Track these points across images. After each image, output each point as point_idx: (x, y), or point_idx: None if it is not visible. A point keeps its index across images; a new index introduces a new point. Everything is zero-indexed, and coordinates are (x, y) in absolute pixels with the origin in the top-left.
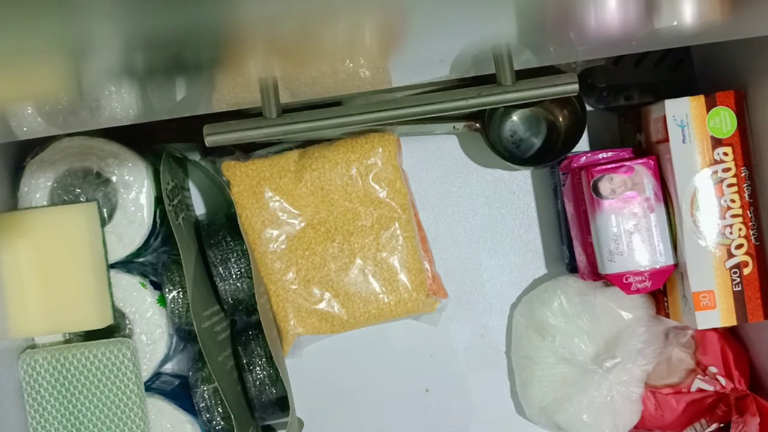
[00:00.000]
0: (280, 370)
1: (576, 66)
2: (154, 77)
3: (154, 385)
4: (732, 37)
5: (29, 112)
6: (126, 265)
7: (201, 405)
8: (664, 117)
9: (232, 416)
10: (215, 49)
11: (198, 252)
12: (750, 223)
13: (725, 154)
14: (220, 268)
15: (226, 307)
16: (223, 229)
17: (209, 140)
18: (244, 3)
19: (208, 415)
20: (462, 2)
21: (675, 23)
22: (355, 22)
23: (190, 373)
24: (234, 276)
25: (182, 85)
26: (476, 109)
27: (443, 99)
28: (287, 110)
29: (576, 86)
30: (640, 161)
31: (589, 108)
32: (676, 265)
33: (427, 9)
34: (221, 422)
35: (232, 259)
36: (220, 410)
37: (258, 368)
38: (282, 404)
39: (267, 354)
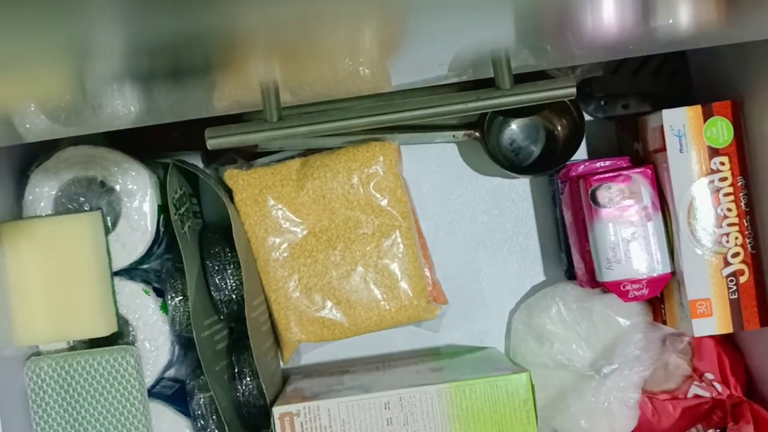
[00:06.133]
0: (264, 386)
1: (575, 77)
2: (156, 80)
3: (154, 390)
4: (728, 41)
5: (32, 109)
6: (129, 272)
7: (197, 412)
8: (662, 126)
9: (226, 426)
10: (217, 54)
11: (201, 261)
12: (746, 232)
13: (722, 163)
14: (216, 279)
15: (222, 317)
16: (222, 240)
17: (211, 143)
18: (246, 8)
19: (202, 422)
20: (461, 9)
21: (671, 21)
22: (356, 29)
23: (188, 381)
24: (229, 287)
25: (184, 88)
26: (476, 117)
27: (443, 102)
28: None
29: (573, 90)
30: (638, 170)
31: (587, 117)
32: (673, 273)
33: (427, 15)
34: (215, 430)
35: (229, 271)
36: (215, 418)
37: (248, 378)
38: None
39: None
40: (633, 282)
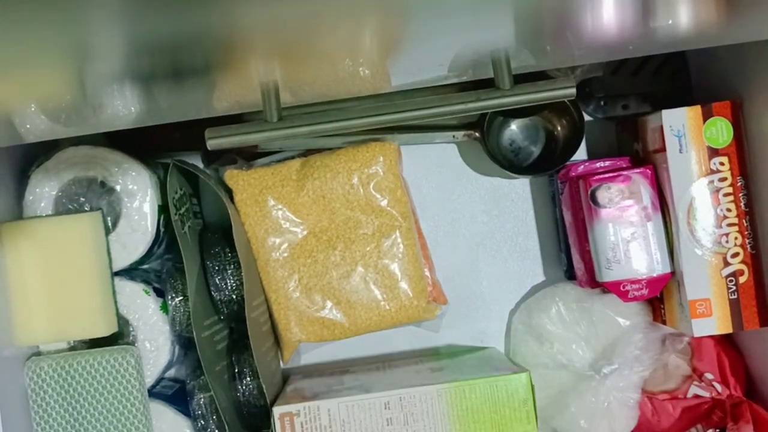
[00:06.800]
0: (264, 386)
1: (575, 77)
2: (156, 81)
3: (155, 389)
4: (727, 41)
5: (32, 109)
6: (129, 272)
7: (197, 412)
8: (661, 127)
9: (226, 426)
10: (217, 54)
11: (201, 261)
12: (746, 232)
13: (721, 163)
14: (216, 279)
15: (222, 317)
16: (222, 240)
17: (211, 143)
18: (247, 8)
19: (203, 422)
20: (461, 9)
21: (670, 21)
22: (356, 29)
23: (189, 381)
24: (229, 288)
25: (184, 88)
26: (475, 117)
27: (443, 103)
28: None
29: (573, 90)
30: (638, 170)
31: (587, 117)
32: (672, 273)
33: (427, 15)
34: (215, 430)
35: (229, 271)
36: (215, 418)
37: (248, 378)
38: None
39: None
40: (633, 282)
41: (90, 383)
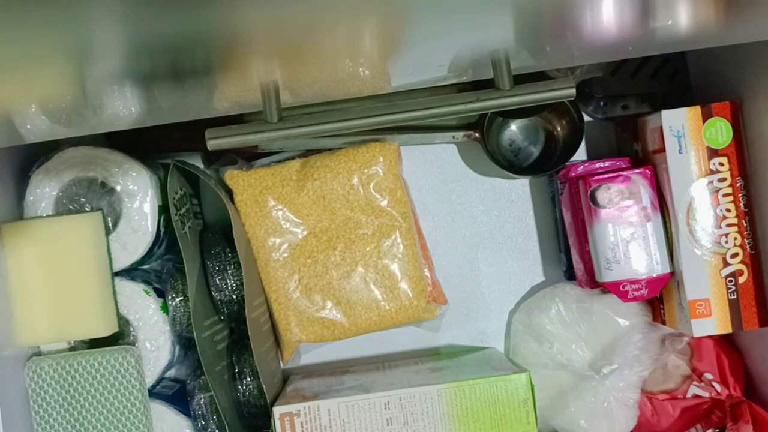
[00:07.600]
0: (264, 386)
1: (575, 78)
2: (156, 81)
3: (155, 390)
4: (727, 42)
5: (33, 110)
6: (130, 272)
7: (198, 412)
8: (661, 127)
9: (226, 426)
10: (217, 55)
11: (202, 261)
12: (745, 233)
13: (721, 164)
14: (217, 279)
15: (222, 317)
16: (223, 240)
17: (211, 144)
18: (247, 8)
19: (203, 422)
20: (461, 10)
21: (670, 22)
22: (356, 30)
23: (189, 381)
24: (229, 288)
25: (185, 89)
26: (475, 117)
27: (443, 103)
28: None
29: (573, 91)
30: (637, 171)
31: (586, 118)
32: (672, 274)
33: (427, 17)
34: (216, 430)
35: (229, 271)
36: (215, 418)
37: (248, 378)
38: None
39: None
40: (632, 282)
41: (90, 383)
